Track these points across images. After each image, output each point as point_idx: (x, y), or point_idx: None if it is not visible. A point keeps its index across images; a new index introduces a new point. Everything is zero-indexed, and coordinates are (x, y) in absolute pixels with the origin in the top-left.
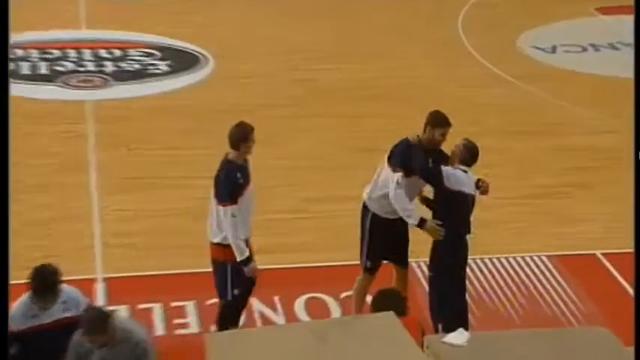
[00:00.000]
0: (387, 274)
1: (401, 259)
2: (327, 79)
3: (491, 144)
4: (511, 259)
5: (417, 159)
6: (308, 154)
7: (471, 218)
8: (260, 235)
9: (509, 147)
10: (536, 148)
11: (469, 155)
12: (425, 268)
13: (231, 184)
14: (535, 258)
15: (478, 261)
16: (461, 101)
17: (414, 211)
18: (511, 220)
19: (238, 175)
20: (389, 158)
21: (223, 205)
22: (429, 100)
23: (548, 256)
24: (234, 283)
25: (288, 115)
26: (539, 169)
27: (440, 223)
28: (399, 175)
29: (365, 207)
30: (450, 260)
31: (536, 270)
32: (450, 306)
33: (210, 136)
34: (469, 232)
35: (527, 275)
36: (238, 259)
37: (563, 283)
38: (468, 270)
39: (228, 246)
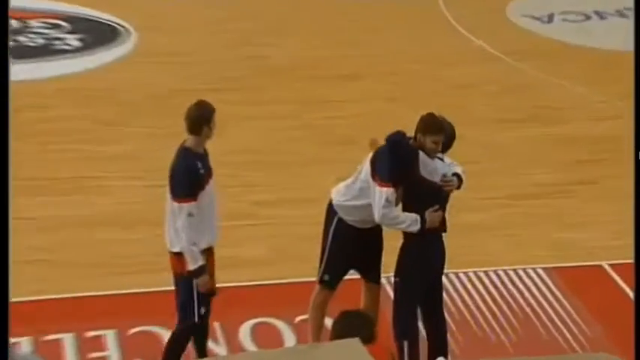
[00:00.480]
0: (354, 292)
1: (371, 274)
2: (280, 56)
3: (477, 134)
4: (500, 272)
5: (406, 159)
6: (258, 148)
7: (446, 215)
8: None
9: (497, 137)
10: (529, 138)
11: (444, 137)
12: None
13: (190, 175)
14: (530, 271)
15: (461, 275)
16: (439, 82)
17: (409, 217)
18: (500, 225)
19: (199, 164)
20: (372, 164)
21: (179, 202)
22: (402, 81)
23: (545, 269)
24: (201, 301)
25: (234, 101)
26: (533, 163)
27: (436, 208)
28: (387, 191)
29: (331, 208)
30: (421, 263)
31: (531, 285)
32: (416, 320)
33: (136, 127)
34: (444, 229)
35: (520, 291)
36: (189, 268)
37: (563, 300)
38: (447, 283)
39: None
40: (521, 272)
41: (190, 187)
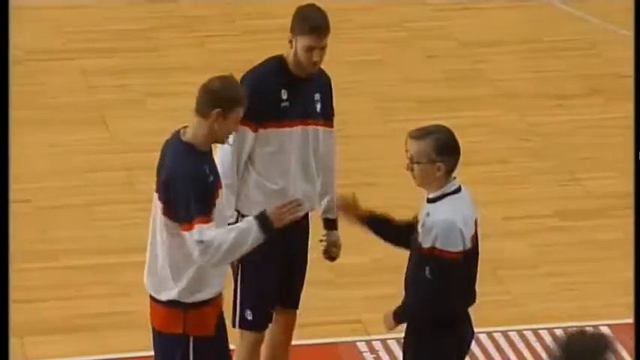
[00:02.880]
0: None
1: (292, 296)
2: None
3: (506, 118)
4: (543, 333)
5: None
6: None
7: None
8: None
9: (539, 122)
10: (589, 122)
11: (450, 154)
12: None
13: (199, 184)
14: (588, 329)
15: (481, 336)
16: (444, 37)
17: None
18: (545, 259)
19: (206, 170)
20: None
21: (188, 227)
22: (383, 37)
23: (614, 326)
24: None
25: (132, 68)
26: (595, 162)
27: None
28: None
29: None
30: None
31: None
32: None
33: None
34: (473, 300)
35: None
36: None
37: None
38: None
39: (189, 307)
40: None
41: (205, 200)
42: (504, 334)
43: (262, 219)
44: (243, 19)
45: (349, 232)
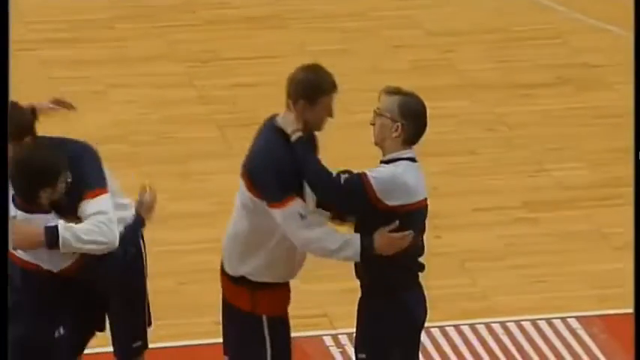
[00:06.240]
0: None
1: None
2: None
3: (473, 108)
4: (511, 325)
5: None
6: (125, 133)
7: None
8: None
9: (506, 112)
10: (556, 113)
11: (413, 120)
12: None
13: (283, 167)
14: (557, 322)
15: (449, 329)
16: (412, 26)
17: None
18: (511, 251)
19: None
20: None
21: (277, 206)
22: (347, 26)
23: (580, 318)
24: (274, 347)
25: (92, 59)
26: (562, 153)
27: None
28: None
29: None
30: (397, 324)
31: (558, 345)
32: None
33: None
34: (422, 268)
35: (541, 353)
36: (331, 247)
37: None
38: (428, 344)
39: (263, 287)
40: (543, 324)
41: (288, 182)
42: (472, 327)
43: (368, 245)
44: (204, 9)
45: None
